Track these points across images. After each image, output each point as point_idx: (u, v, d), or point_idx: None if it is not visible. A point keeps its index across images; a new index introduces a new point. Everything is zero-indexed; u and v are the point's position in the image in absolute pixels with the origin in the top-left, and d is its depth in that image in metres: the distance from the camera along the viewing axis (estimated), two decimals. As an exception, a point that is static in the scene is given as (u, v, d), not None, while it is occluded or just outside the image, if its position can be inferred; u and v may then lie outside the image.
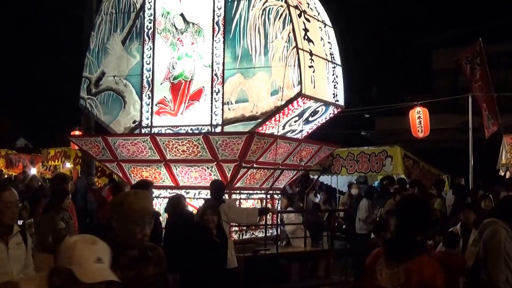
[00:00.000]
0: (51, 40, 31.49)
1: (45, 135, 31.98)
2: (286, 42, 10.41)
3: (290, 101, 10.37)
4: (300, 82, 10.25)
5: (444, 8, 27.07)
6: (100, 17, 11.88)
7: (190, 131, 10.89)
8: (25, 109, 36.48)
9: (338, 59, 11.60)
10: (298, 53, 10.32)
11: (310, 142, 11.86)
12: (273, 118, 10.64)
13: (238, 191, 11.08)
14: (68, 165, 25.52)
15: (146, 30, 11.50)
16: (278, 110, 10.44)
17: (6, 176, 27.39)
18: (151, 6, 11.48)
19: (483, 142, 16.11)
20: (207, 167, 10.66)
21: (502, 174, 15.00)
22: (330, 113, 11.60)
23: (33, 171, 27.71)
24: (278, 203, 12.01)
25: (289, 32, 10.41)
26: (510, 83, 23.06)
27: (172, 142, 10.61)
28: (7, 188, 4.75)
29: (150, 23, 11.47)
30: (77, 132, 20.58)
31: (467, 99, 15.23)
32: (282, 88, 10.37)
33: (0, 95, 35.32)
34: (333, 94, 11.31)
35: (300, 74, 10.27)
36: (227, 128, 10.71)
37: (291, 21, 10.43)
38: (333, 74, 11.34)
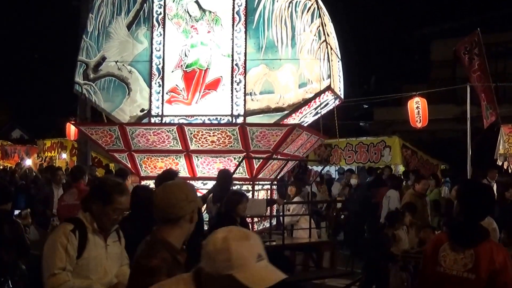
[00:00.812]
0: (47, 31, 31.48)
1: (40, 126, 32.02)
2: (314, 35, 10.66)
3: (319, 94, 10.70)
4: (329, 76, 10.66)
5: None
6: None
7: (208, 121, 10.77)
8: (20, 100, 36.47)
9: (339, 53, 11.77)
10: (327, 47, 10.63)
11: (317, 133, 12.11)
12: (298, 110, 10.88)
13: (249, 182, 10.94)
14: (64, 156, 25.54)
15: (155, 15, 11.09)
16: (306, 102, 10.76)
17: (1, 167, 27.43)
18: None
19: (481, 132, 16.18)
20: (234, 158, 10.59)
21: (500, 164, 15.06)
22: (332, 105, 11.80)
23: (28, 162, 27.75)
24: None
25: (318, 26, 10.68)
26: (508, 73, 23.05)
27: (202, 132, 10.43)
28: (125, 192, 4.37)
29: (160, 8, 11.08)
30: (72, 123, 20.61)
31: (465, 90, 15.22)
32: (311, 81, 10.65)
33: (-4, 86, 35.35)
34: (339, 87, 11.55)
35: (330, 68, 10.70)
36: (251, 119, 10.71)
37: (320, 15, 10.68)
38: (338, 68, 11.55)
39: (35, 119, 34.58)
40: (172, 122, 10.84)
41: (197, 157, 10.74)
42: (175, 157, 10.80)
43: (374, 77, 28.64)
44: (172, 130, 10.52)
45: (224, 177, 9.23)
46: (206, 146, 10.57)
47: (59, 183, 11.76)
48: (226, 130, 10.42)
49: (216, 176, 9.82)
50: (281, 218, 10.89)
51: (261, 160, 10.58)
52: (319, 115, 12.01)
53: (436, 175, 16.10)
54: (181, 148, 10.64)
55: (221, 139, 10.47)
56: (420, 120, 16.62)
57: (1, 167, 27.02)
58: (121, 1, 11.24)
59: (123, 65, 11.18)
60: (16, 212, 9.23)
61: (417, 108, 16.64)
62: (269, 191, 11.74)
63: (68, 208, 9.28)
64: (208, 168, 10.87)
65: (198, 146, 10.57)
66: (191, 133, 10.48)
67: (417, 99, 16.65)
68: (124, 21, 11.22)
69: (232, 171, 10.06)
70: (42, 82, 33.30)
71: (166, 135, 10.54)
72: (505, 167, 14.84)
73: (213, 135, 10.46)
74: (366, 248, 9.96)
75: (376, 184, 15.40)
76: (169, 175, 8.37)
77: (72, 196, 9.47)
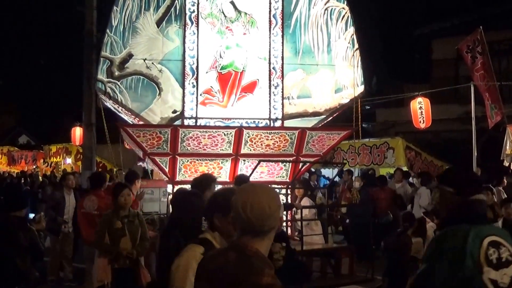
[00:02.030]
0: (52, 36, 31.28)
1: (47, 131, 31.86)
2: (348, 43, 11.05)
3: (354, 99, 11.13)
4: (363, 82, 11.20)
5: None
6: None
7: (245, 124, 10.52)
8: (27, 106, 36.32)
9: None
10: (360, 54, 11.00)
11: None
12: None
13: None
14: (69, 161, 25.39)
15: (188, 13, 10.57)
16: (342, 107, 11.16)
17: (7, 173, 27.30)
18: None
19: (486, 132, 15.89)
20: (281, 162, 10.44)
21: (507, 164, 14.76)
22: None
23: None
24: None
25: (352, 34, 11.11)
26: (512, 72, 22.85)
27: (260, 135, 10.18)
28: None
29: (193, 6, 10.61)
30: (78, 128, 20.38)
31: (469, 89, 14.94)
32: (346, 86, 11.06)
33: (2, 92, 35.17)
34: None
35: (363, 75, 11.19)
36: (288, 123, 10.70)
37: (353, 23, 11.07)
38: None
39: (42, 124, 34.42)
40: (208, 124, 10.49)
41: (244, 161, 10.45)
42: (221, 161, 10.44)
43: (375, 77, 28.38)
44: (230, 133, 10.15)
45: (242, 181, 8.85)
46: (259, 150, 10.36)
47: (71, 188, 11.53)
48: (285, 133, 10.33)
49: (256, 181, 9.94)
50: (298, 223, 10.65)
51: (308, 164, 10.78)
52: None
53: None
54: (231, 152, 10.31)
55: (277, 142, 10.35)
56: (423, 120, 16.32)
57: (7, 174, 26.90)
58: None
59: (152, 63, 10.51)
60: (31, 216, 9.11)
61: (420, 109, 16.34)
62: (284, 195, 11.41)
63: (87, 217, 9.18)
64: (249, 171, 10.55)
65: (249, 150, 10.33)
66: (248, 137, 10.20)
67: (419, 99, 16.35)
68: (153, 17, 10.55)
69: (274, 176, 10.25)
70: (48, 87, 33.12)
71: (221, 138, 10.16)
72: (512, 167, 14.59)
73: (271, 139, 10.29)
74: (387, 253, 9.59)
75: (369, 185, 15.21)
76: (207, 180, 8.02)
77: (92, 204, 9.20)
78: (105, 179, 9.88)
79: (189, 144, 10.13)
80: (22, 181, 23.33)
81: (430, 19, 25.86)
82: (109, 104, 11.18)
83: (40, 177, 23.98)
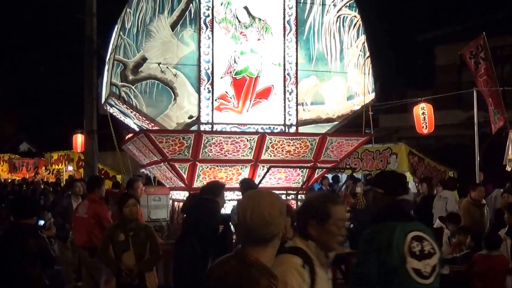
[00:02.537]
0: (53, 45, 31.36)
1: (48, 139, 31.88)
2: (360, 51, 11.19)
3: (365, 106, 11.34)
4: (374, 89, 11.41)
5: (446, 2, 26.80)
6: None
7: (260, 130, 10.45)
8: (27, 113, 36.38)
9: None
10: (371, 62, 11.31)
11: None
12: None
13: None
14: (71, 168, 25.41)
15: (203, 17, 10.37)
16: (354, 113, 11.38)
17: (9, 180, 27.32)
18: None
19: (489, 138, 15.86)
20: (298, 168, 10.41)
21: (509, 169, 14.75)
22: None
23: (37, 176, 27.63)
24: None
25: (364, 42, 11.33)
26: (515, 77, 22.79)
27: (282, 141, 10.12)
28: (338, 201, 3.66)
29: (208, 10, 10.40)
30: (79, 135, 20.39)
31: (472, 94, 14.93)
32: (358, 93, 11.23)
33: (3, 100, 35.22)
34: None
35: (374, 82, 11.41)
36: (302, 129, 10.66)
37: (365, 32, 11.34)
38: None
39: (43, 132, 34.46)
40: (224, 130, 10.39)
41: (263, 167, 10.35)
42: (240, 167, 10.31)
43: (378, 83, 28.34)
44: (252, 139, 10.06)
45: (248, 186, 8.60)
46: (279, 156, 10.28)
47: (78, 194, 11.46)
48: (307, 139, 10.31)
49: (273, 186, 10.08)
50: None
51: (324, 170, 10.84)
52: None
53: (445, 180, 15.77)
54: (251, 158, 10.20)
55: (297, 148, 10.30)
56: (426, 126, 16.29)
57: (9, 181, 26.92)
58: None
59: (167, 67, 10.22)
60: (40, 222, 9.10)
61: (423, 114, 16.33)
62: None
63: (78, 220, 9.33)
64: (269, 178, 10.50)
65: (270, 156, 10.24)
66: (270, 143, 10.13)
67: (422, 105, 16.32)
68: (167, 20, 10.27)
69: (290, 182, 10.22)
70: (48, 94, 33.18)
71: (244, 144, 10.05)
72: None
73: (292, 145, 10.23)
74: None
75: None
76: (218, 187, 7.83)
77: (83, 208, 9.30)
78: (99, 183, 9.79)
79: (211, 150, 10.00)
80: (24, 188, 23.35)
81: (433, 25, 25.86)
82: (115, 109, 11.00)
83: (42, 185, 23.98)
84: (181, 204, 10.46)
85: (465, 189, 13.55)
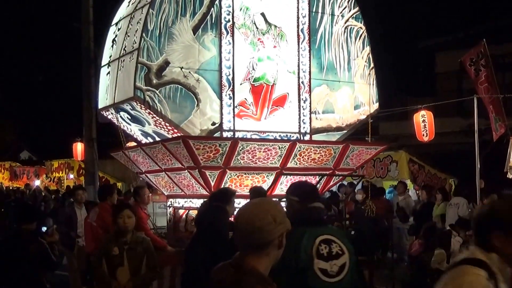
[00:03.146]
0: (50, 53, 31.39)
1: (48, 147, 31.89)
2: (365, 62, 11.47)
3: (371, 116, 11.59)
4: (378, 100, 11.59)
5: (447, 10, 26.81)
6: None
7: (278, 138, 10.46)
8: (28, 121, 36.41)
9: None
10: (375, 73, 11.52)
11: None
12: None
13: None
14: (72, 176, 25.42)
15: (224, 22, 10.18)
16: (360, 123, 11.55)
17: (10, 188, 27.30)
18: None
19: (489, 145, 15.79)
20: (317, 176, 10.38)
21: (510, 176, 14.69)
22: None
23: (37, 182, 27.62)
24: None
25: (368, 53, 11.51)
26: (516, 84, 22.76)
27: (310, 149, 10.10)
28: None
29: (228, 15, 10.21)
30: (79, 143, 20.37)
31: (472, 102, 14.89)
32: (364, 103, 11.41)
33: (3, 108, 35.25)
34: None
35: (378, 93, 11.58)
36: (315, 137, 10.71)
37: (370, 43, 11.52)
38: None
39: (43, 140, 34.47)
40: (245, 137, 10.25)
41: (285, 175, 10.31)
42: (266, 175, 10.20)
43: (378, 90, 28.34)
44: (284, 146, 9.96)
45: (258, 194, 8.51)
46: (304, 164, 10.26)
47: (81, 202, 11.63)
48: (332, 147, 10.33)
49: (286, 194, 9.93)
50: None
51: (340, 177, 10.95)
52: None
53: (444, 189, 15.75)
54: (278, 165, 10.13)
55: (322, 156, 10.30)
56: (426, 133, 16.26)
57: (10, 188, 26.90)
58: (186, 1, 10.02)
59: (189, 72, 9.92)
60: (43, 229, 9.17)
61: (423, 122, 16.29)
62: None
63: (88, 227, 9.62)
64: (286, 186, 10.56)
65: (295, 164, 10.19)
66: (298, 150, 10.06)
67: (423, 112, 16.29)
68: (189, 24, 9.98)
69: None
70: (48, 103, 33.20)
71: (275, 152, 9.93)
72: (516, 179, 14.50)
73: (318, 153, 10.23)
74: (411, 265, 9.19)
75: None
76: (228, 194, 7.71)
77: (94, 215, 9.65)
78: (110, 191, 9.89)
79: (243, 157, 9.81)
80: (27, 192, 23.39)
81: (434, 32, 25.87)
82: (120, 115, 10.80)
83: (43, 192, 23.97)
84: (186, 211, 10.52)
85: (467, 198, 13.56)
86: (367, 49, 11.49)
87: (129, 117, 10.62)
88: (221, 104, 10.07)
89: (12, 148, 37.11)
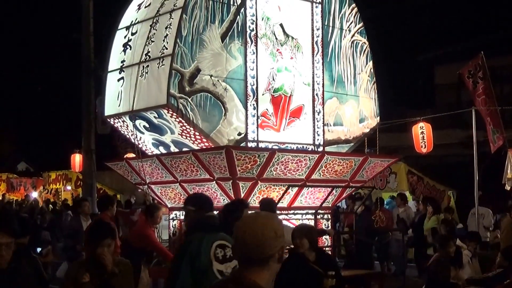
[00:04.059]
0: (49, 64, 31.49)
1: (46, 158, 31.93)
2: (368, 76, 11.62)
3: (373, 129, 11.94)
4: (379, 114, 11.94)
5: (446, 22, 27.01)
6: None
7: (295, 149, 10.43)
8: (25, 133, 36.46)
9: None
10: (376, 88, 11.82)
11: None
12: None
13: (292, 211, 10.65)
14: (69, 188, 25.44)
15: (248, 31, 10.15)
16: (365, 136, 11.87)
17: (7, 200, 27.30)
18: (253, 5, 10.24)
19: (488, 157, 15.92)
20: (308, 187, 10.38)
21: (508, 188, 14.81)
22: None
23: (34, 195, 27.62)
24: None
25: (371, 68, 11.80)
26: (514, 97, 22.92)
27: (336, 161, 10.20)
28: None
29: (252, 24, 10.21)
30: (77, 155, 20.44)
31: (470, 114, 15.03)
32: (367, 117, 11.72)
33: (0, 119, 35.32)
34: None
35: (379, 107, 11.93)
36: (327, 149, 10.80)
37: (372, 58, 11.80)
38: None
39: (41, 151, 34.49)
40: (268, 147, 10.20)
41: (307, 188, 10.37)
42: (291, 188, 10.17)
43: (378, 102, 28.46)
44: (313, 158, 10.02)
45: (267, 205, 8.51)
46: (326, 176, 10.35)
47: (87, 214, 11.35)
48: (353, 159, 10.47)
49: (307, 206, 10.33)
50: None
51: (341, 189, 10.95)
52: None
53: (435, 201, 15.84)
54: (304, 177, 10.14)
55: (344, 168, 10.42)
56: (425, 145, 16.36)
57: (6, 201, 26.91)
58: (215, 7, 9.90)
59: (218, 80, 9.79)
60: (38, 250, 9.06)
61: (421, 134, 16.39)
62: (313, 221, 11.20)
63: None
64: (309, 197, 10.59)
65: (319, 176, 10.25)
66: (325, 162, 10.14)
67: (421, 124, 16.41)
68: (218, 31, 9.89)
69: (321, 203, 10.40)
70: (46, 114, 33.26)
71: (305, 163, 9.95)
72: (514, 191, 14.61)
73: (341, 165, 10.34)
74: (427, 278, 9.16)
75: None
76: (239, 205, 7.91)
77: None
78: (111, 202, 9.83)
79: (276, 168, 9.74)
80: (24, 204, 23.41)
81: (433, 45, 26.05)
82: (134, 123, 10.53)
83: (40, 203, 24.01)
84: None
85: (465, 209, 13.67)
86: (370, 63, 11.73)
87: (147, 126, 10.39)
88: (246, 114, 10.03)
89: (9, 160, 37.12)
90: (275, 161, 9.65)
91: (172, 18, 9.75)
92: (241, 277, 2.99)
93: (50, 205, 23.85)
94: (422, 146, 16.25)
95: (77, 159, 20.01)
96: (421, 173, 18.32)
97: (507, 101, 19.66)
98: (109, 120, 11.10)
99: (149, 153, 10.98)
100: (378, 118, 11.88)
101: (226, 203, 8.41)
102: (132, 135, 10.79)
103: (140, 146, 11.05)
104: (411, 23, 27.17)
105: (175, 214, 11.06)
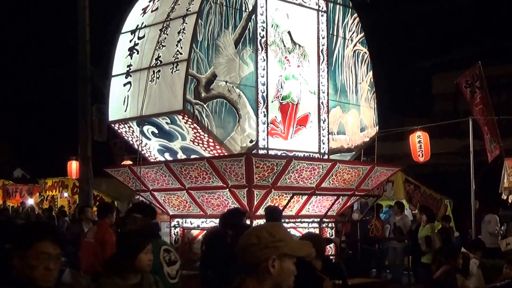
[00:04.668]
0: (45, 71, 31.49)
1: (42, 165, 31.91)
2: (369, 86, 11.70)
3: (372, 138, 12.00)
4: (378, 123, 12.06)
5: (443, 31, 27.11)
6: (209, 4, 9.62)
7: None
8: (21, 139, 36.44)
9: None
10: (376, 97, 11.95)
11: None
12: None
13: (297, 219, 10.63)
14: (66, 194, 25.41)
15: (259, 37, 10.13)
16: (365, 145, 11.96)
17: (3, 207, 27.26)
18: (263, 12, 10.23)
19: (484, 166, 15.97)
20: (314, 195, 10.35)
21: (505, 197, 14.85)
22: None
23: (30, 201, 27.59)
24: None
25: (371, 78, 11.91)
26: (511, 106, 23.00)
27: (346, 169, 10.28)
28: None
29: (262, 31, 10.20)
30: (74, 162, 20.43)
31: (467, 123, 15.09)
32: (367, 126, 11.84)
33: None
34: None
35: (378, 116, 12.05)
36: (331, 158, 10.83)
37: (372, 68, 11.92)
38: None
39: (37, 158, 34.47)
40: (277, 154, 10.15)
41: (316, 196, 10.37)
42: (301, 196, 10.14)
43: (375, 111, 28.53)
44: (326, 166, 10.05)
45: (272, 213, 8.45)
46: (335, 185, 10.40)
47: (90, 220, 11.35)
48: (361, 168, 10.57)
49: (313, 214, 10.37)
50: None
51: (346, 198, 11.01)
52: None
53: (429, 209, 15.87)
54: (314, 186, 10.14)
55: (352, 177, 10.48)
56: (422, 154, 16.41)
57: (3, 207, 26.88)
58: (228, 13, 9.82)
59: (232, 87, 9.71)
60: None
61: (419, 142, 16.44)
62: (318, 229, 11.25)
63: (86, 246, 9.28)
64: (316, 206, 10.62)
65: (328, 184, 10.29)
66: (336, 170, 10.18)
67: (419, 133, 16.46)
68: (231, 36, 9.82)
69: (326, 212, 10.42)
70: (43, 121, 33.25)
71: (317, 172, 9.96)
72: (510, 201, 14.62)
73: (349, 173, 10.39)
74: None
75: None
76: (239, 214, 7.85)
77: (92, 233, 9.32)
78: (111, 209, 9.79)
79: (290, 176, 9.69)
80: (21, 211, 23.38)
81: (430, 54, 26.15)
82: (142, 129, 10.39)
83: (36, 210, 24.00)
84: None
85: (462, 218, 13.70)
86: (370, 73, 11.83)
87: (155, 132, 10.23)
88: (257, 121, 9.99)
89: (6, 166, 37.09)
90: (291, 169, 9.61)
91: (186, 23, 9.63)
92: (239, 284, 3.00)
93: (46, 212, 23.81)
94: (419, 155, 16.30)
95: (73, 166, 20.00)
96: (418, 181, 18.34)
97: (504, 110, 19.74)
98: (113, 125, 10.91)
99: (152, 160, 10.90)
100: (377, 127, 12.00)
101: (223, 212, 8.45)
102: (137, 141, 10.66)
103: (143, 152, 10.89)
104: (409, 32, 27.27)
105: (177, 221, 10.99)
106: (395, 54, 27.02)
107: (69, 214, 22.98)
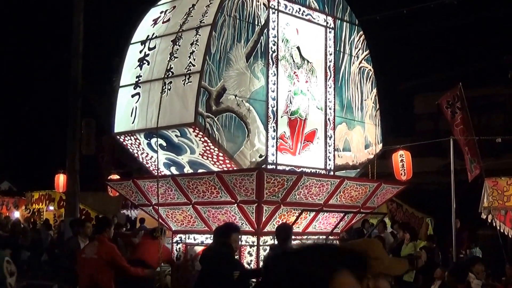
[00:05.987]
0: (36, 84, 31.36)
1: (29, 178, 31.68)
2: (373, 103, 11.68)
3: (377, 155, 11.94)
4: (381, 141, 12.07)
5: (426, 53, 27.36)
6: (223, 17, 9.44)
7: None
8: (8, 152, 36.13)
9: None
10: (380, 115, 11.95)
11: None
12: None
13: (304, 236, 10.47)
14: (52, 208, 25.26)
15: (270, 52, 9.99)
16: (369, 162, 11.78)
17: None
18: (275, 26, 10.10)
19: (465, 185, 16.09)
20: (321, 212, 10.19)
21: (484, 217, 14.95)
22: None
23: (16, 214, 27.39)
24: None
25: (375, 95, 11.94)
26: (491, 127, 23.22)
27: (354, 186, 10.13)
28: None
29: (274, 45, 10.07)
30: (61, 175, 20.35)
31: (448, 143, 15.21)
32: (371, 143, 11.83)
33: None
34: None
35: (382, 134, 12.09)
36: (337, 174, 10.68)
37: (377, 86, 11.91)
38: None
39: (24, 171, 34.21)
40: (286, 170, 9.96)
41: (322, 213, 10.20)
42: (309, 212, 9.92)
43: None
44: (334, 183, 9.88)
45: (284, 231, 8.33)
46: (342, 202, 10.26)
47: (87, 236, 10.94)
48: (368, 185, 10.43)
49: (319, 231, 10.31)
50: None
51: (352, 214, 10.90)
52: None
53: (412, 228, 15.95)
54: (322, 202, 9.95)
55: (359, 194, 10.35)
56: (404, 173, 16.47)
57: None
58: (241, 26, 9.64)
59: (242, 101, 9.49)
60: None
61: (401, 161, 16.51)
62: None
63: (85, 262, 8.77)
64: (322, 222, 10.49)
65: (335, 201, 10.15)
66: (344, 187, 10.03)
67: (401, 152, 16.53)
68: (243, 50, 9.63)
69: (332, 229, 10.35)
70: (31, 134, 33.05)
71: (326, 188, 9.77)
72: (489, 220, 14.71)
73: (357, 190, 10.26)
74: None
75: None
76: (231, 229, 7.64)
77: (92, 248, 8.85)
78: (109, 224, 9.53)
79: (300, 192, 9.47)
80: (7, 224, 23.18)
81: (413, 75, 26.35)
82: (150, 141, 10.17)
83: (22, 223, 23.82)
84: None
85: (443, 237, 13.75)
86: (374, 91, 11.83)
87: (164, 145, 9.86)
88: (267, 136, 9.79)
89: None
90: (300, 185, 9.41)
91: (199, 35, 9.43)
92: None
93: (30, 224, 23.68)
94: (401, 174, 16.36)
95: (61, 179, 19.88)
96: (400, 200, 18.43)
97: (484, 131, 19.88)
98: (119, 137, 10.55)
99: (155, 173, 10.44)
100: (381, 144, 12.01)
101: (216, 226, 8.29)
102: (142, 153, 10.44)
103: (148, 165, 10.66)
104: (392, 54, 27.49)
105: (180, 237, 10.66)
106: (379, 75, 27.22)
107: (54, 228, 22.86)
